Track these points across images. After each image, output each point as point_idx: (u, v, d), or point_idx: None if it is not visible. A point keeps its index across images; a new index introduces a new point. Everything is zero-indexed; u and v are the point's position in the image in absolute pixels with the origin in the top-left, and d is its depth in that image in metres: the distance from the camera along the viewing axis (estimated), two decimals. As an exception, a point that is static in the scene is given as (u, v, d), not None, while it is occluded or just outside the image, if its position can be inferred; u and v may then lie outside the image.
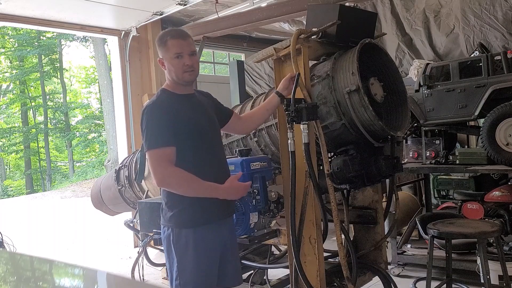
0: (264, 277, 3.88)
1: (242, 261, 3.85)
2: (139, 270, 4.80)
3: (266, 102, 3.07)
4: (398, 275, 4.84)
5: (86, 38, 25.22)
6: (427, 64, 5.31)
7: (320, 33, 3.12)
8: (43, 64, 27.87)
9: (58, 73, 28.90)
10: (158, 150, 2.42)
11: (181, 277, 2.50)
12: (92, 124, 29.01)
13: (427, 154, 5.22)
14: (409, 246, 5.13)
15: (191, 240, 2.49)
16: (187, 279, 2.50)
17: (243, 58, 9.56)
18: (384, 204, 3.75)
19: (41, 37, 26.52)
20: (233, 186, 2.55)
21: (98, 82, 23.27)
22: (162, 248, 2.68)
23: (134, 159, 5.08)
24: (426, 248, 3.88)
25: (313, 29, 3.10)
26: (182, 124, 2.48)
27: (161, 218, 2.60)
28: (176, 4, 6.44)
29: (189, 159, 2.51)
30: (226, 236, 2.66)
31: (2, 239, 4.61)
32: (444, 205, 5.62)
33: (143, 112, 2.51)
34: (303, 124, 2.81)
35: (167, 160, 2.41)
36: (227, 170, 2.74)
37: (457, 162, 4.82)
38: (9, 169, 30.52)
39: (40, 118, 29.42)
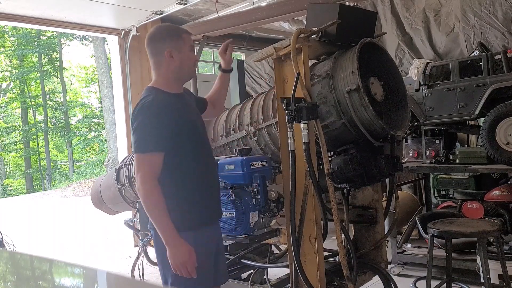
0: (264, 277, 3.87)
1: (242, 261, 3.86)
2: (139, 269, 4.80)
3: (217, 82, 3.05)
4: (398, 275, 4.84)
5: (86, 37, 25.21)
6: (427, 63, 5.31)
7: (320, 33, 3.12)
8: (43, 63, 27.85)
9: (58, 72, 28.89)
10: (147, 155, 2.35)
11: (179, 281, 2.43)
12: (92, 123, 29.00)
13: (427, 154, 5.22)
14: (409, 245, 5.13)
15: (191, 244, 2.44)
16: (185, 282, 2.45)
17: (243, 58, 9.56)
18: (384, 204, 3.75)
19: (41, 36, 26.50)
20: (184, 255, 2.32)
21: (98, 81, 23.25)
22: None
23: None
24: (426, 247, 3.88)
25: (313, 29, 3.10)
26: (182, 124, 2.48)
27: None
28: (176, 4, 6.43)
29: (190, 157, 2.51)
30: (218, 237, 2.71)
31: (2, 238, 4.61)
32: (444, 204, 5.62)
33: (138, 110, 2.40)
34: (303, 123, 2.81)
35: (153, 169, 2.35)
36: (215, 169, 2.80)
37: (457, 161, 4.82)
38: (9, 168, 30.51)
39: (40, 117, 29.41)
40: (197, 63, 2.62)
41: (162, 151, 2.38)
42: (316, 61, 3.36)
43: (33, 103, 28.81)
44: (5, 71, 27.85)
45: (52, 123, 29.69)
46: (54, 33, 25.04)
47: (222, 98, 3.06)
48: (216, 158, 2.98)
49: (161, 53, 2.49)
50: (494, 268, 3.64)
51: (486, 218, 4.57)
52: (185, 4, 6.44)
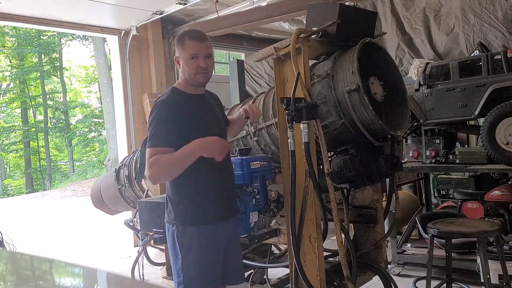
0: (264, 277, 3.88)
1: (242, 261, 3.86)
2: (139, 270, 4.80)
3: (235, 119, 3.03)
4: (398, 275, 4.84)
5: (86, 37, 25.21)
6: (427, 63, 5.31)
7: (320, 33, 3.12)
8: (43, 63, 27.84)
9: (58, 72, 28.88)
10: (157, 149, 2.47)
11: (185, 274, 2.52)
12: (92, 123, 29.00)
13: (427, 154, 5.22)
14: (409, 245, 5.13)
15: (195, 238, 2.52)
16: (191, 276, 2.52)
17: (243, 57, 9.55)
18: (384, 204, 3.75)
19: (41, 36, 26.50)
20: (208, 140, 2.44)
21: (98, 81, 23.24)
22: (162, 247, 2.70)
23: (134, 158, 5.08)
24: (426, 247, 3.88)
25: (313, 29, 3.10)
26: (190, 124, 2.51)
27: (165, 215, 2.63)
28: (176, 4, 6.43)
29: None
30: (230, 235, 2.69)
31: (2, 238, 4.61)
32: (444, 204, 5.62)
33: (154, 106, 2.55)
34: (303, 123, 2.81)
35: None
36: (232, 170, 2.79)
37: (457, 161, 4.82)
38: (9, 168, 30.51)
39: (40, 117, 29.40)
40: (203, 70, 2.56)
41: (170, 147, 2.47)
42: (316, 61, 3.36)
43: (33, 103, 28.80)
44: (5, 71, 27.83)
45: (52, 123, 29.68)
46: (54, 33, 25.03)
47: (233, 131, 3.06)
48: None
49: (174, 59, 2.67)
50: (494, 268, 3.64)
51: (486, 218, 4.56)
52: (185, 4, 6.44)
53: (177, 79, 2.76)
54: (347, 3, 5.17)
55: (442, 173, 6.02)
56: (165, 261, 5.05)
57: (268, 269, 3.86)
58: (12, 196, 25.00)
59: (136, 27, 7.34)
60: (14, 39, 26.73)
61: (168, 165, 2.45)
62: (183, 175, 2.52)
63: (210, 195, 2.57)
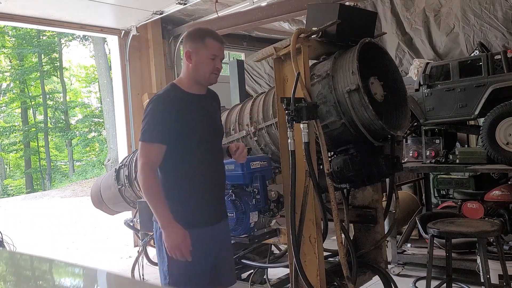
0: (264, 277, 3.87)
1: (242, 261, 3.86)
2: (139, 269, 4.81)
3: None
4: (398, 275, 4.84)
5: (86, 37, 25.21)
6: (427, 63, 5.31)
7: (320, 33, 3.12)
8: (43, 63, 27.83)
9: (58, 72, 28.87)
10: (150, 145, 2.43)
11: (171, 277, 2.47)
12: (92, 123, 28.99)
13: (427, 154, 5.22)
14: (409, 245, 5.13)
15: None
16: (177, 279, 2.47)
17: (243, 57, 9.55)
18: (384, 204, 3.75)
19: (41, 36, 26.49)
20: (177, 238, 2.37)
21: (98, 81, 23.23)
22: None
23: (134, 158, 5.07)
24: (426, 247, 3.88)
25: (313, 29, 3.10)
26: (185, 124, 2.47)
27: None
28: (176, 4, 6.43)
29: (191, 156, 2.50)
30: (222, 239, 2.65)
31: (2, 238, 4.61)
32: (444, 204, 5.62)
33: (151, 100, 2.50)
34: (303, 123, 2.81)
35: (153, 158, 2.43)
36: (223, 175, 2.72)
37: (457, 161, 4.82)
38: (9, 168, 30.50)
39: (40, 117, 29.39)
40: (216, 71, 2.57)
41: (163, 144, 2.43)
42: (316, 61, 3.36)
43: (33, 103, 28.78)
44: (5, 71, 27.82)
45: (52, 123, 29.66)
46: (54, 33, 25.01)
47: None
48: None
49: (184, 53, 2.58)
50: (494, 268, 3.64)
51: (486, 218, 4.57)
52: (185, 4, 6.43)
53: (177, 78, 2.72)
54: (347, 3, 5.17)
55: (442, 173, 6.02)
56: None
57: (268, 269, 3.86)
58: (12, 196, 24.99)
59: (136, 27, 7.34)
60: (14, 39, 26.71)
61: (148, 196, 2.40)
62: (172, 175, 2.49)
63: (201, 198, 2.52)
